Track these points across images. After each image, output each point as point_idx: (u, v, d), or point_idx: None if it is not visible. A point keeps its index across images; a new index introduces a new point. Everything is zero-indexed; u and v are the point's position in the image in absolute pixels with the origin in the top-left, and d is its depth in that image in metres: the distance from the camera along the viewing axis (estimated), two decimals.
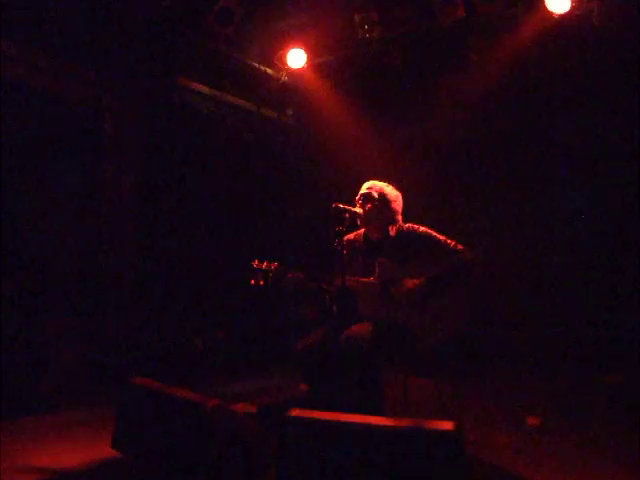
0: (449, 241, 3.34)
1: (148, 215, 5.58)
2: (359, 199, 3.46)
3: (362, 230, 3.59)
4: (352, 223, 3.38)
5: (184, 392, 2.72)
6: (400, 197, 3.55)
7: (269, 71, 6.41)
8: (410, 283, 3.26)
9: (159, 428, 2.73)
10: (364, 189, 3.50)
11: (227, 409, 2.52)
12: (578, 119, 5.35)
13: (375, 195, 3.45)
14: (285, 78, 6.44)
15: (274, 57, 6.15)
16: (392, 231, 3.46)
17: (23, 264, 4.67)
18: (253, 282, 3.32)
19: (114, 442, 3.04)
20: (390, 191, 3.51)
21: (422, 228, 3.45)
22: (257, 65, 6.32)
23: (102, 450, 3.13)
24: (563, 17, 4.98)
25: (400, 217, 3.52)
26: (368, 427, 2.15)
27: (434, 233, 3.40)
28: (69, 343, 4.89)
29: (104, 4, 4.90)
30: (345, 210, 3.26)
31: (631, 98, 5.03)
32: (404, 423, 2.15)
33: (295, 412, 2.31)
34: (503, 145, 5.81)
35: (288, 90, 6.68)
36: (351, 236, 3.57)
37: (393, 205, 3.48)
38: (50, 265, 4.97)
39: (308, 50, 6.01)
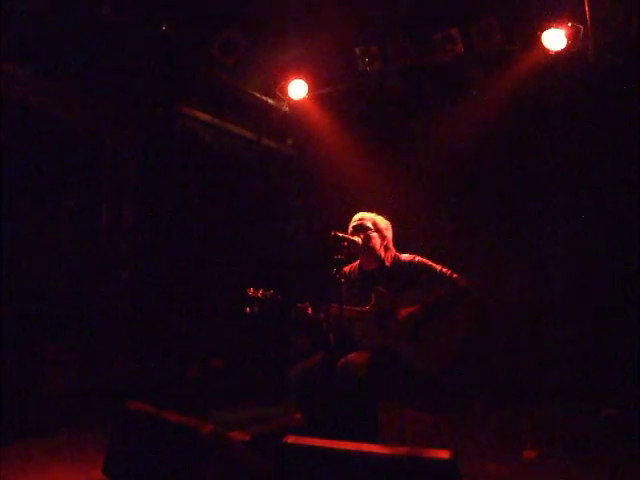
0: (444, 270, 3.37)
1: (147, 242, 5.59)
2: (352, 231, 3.49)
3: (356, 262, 3.63)
4: (350, 252, 3.40)
5: (179, 417, 2.70)
6: (390, 226, 3.61)
7: (270, 101, 6.50)
8: (405, 311, 3.27)
9: (152, 453, 2.71)
10: (355, 220, 3.55)
11: (222, 435, 2.50)
12: (573, 151, 5.44)
13: (369, 224, 3.50)
14: (286, 108, 6.54)
15: (276, 88, 6.26)
16: (388, 261, 3.50)
17: (20, 289, 4.65)
18: (249, 310, 3.32)
19: (105, 467, 3.00)
20: (381, 220, 3.59)
21: (418, 257, 3.48)
22: (259, 95, 6.41)
23: (93, 475, 3.09)
24: (559, 54, 5.11)
25: (392, 245, 3.57)
26: (364, 454, 2.14)
27: (430, 262, 3.43)
28: (64, 368, 4.85)
29: (108, 30, 4.98)
30: (344, 239, 3.28)
31: (625, 134, 5.12)
32: (401, 451, 2.14)
33: (291, 439, 2.30)
34: (501, 176, 5.88)
35: (289, 120, 6.77)
36: (346, 269, 3.60)
37: (386, 233, 3.55)
38: (47, 290, 4.95)
39: (309, 81, 6.12)
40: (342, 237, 3.26)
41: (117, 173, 5.53)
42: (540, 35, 5.06)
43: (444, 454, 2.04)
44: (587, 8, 4.77)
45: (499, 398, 5.12)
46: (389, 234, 3.57)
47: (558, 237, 5.50)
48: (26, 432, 4.06)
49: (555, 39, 5.02)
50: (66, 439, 4.09)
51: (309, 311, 3.30)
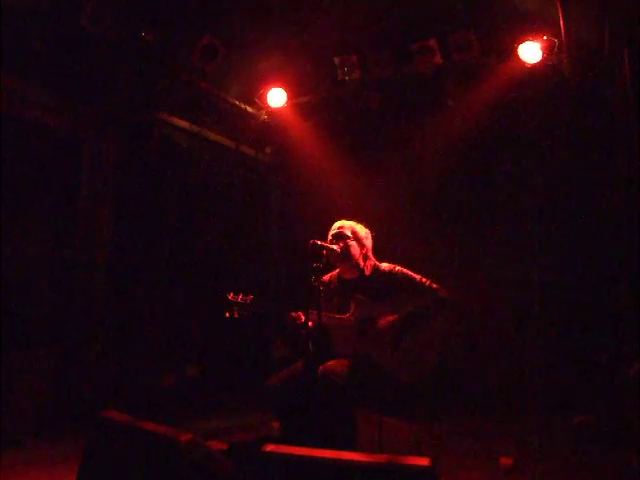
0: (424, 279, 3.38)
1: (123, 248, 5.54)
2: (331, 239, 3.49)
3: (336, 271, 3.62)
4: (329, 260, 3.40)
5: (156, 426, 2.66)
6: (370, 235, 3.61)
7: (249, 109, 6.50)
8: (385, 320, 3.28)
9: (128, 463, 2.66)
10: (335, 228, 3.54)
11: (200, 444, 2.47)
12: (549, 161, 5.53)
13: (348, 233, 3.49)
14: (265, 116, 6.54)
15: (255, 95, 6.26)
16: (367, 270, 3.50)
17: None
18: (228, 315, 3.30)
19: (80, 477, 2.95)
20: (360, 229, 3.58)
21: (397, 267, 3.49)
22: (238, 103, 6.40)
23: None
24: (535, 67, 5.20)
25: (372, 254, 3.57)
26: (343, 463, 2.14)
27: (409, 272, 3.44)
28: (37, 376, 4.76)
29: (86, 37, 4.95)
30: (322, 247, 3.27)
31: (599, 144, 5.23)
32: (379, 459, 2.14)
33: (270, 447, 2.28)
34: (477, 186, 5.95)
35: (267, 128, 6.77)
36: (326, 277, 3.60)
37: (365, 242, 3.54)
38: (20, 295, 4.87)
39: (288, 90, 6.13)
40: (320, 245, 3.25)
41: (95, 179, 5.47)
42: (516, 48, 5.15)
43: (423, 461, 2.04)
44: (562, 22, 4.87)
45: (476, 407, 5.16)
46: (368, 243, 3.57)
47: (533, 246, 5.57)
48: None
49: (531, 52, 5.12)
50: (38, 450, 4.01)
51: (302, 319, 3.25)
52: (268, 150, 7.30)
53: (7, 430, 4.16)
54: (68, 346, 5.09)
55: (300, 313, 3.27)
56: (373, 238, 3.62)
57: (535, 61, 5.15)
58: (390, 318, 3.28)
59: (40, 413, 4.62)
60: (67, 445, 3.96)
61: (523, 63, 5.20)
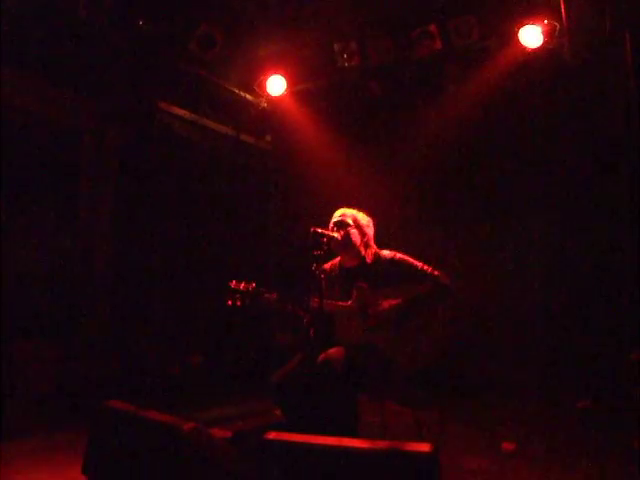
0: (425, 267, 3.38)
1: (125, 238, 5.55)
2: (332, 227, 3.49)
3: (337, 259, 3.62)
4: (330, 248, 3.40)
5: (159, 415, 2.68)
6: (371, 222, 3.61)
7: (249, 97, 6.48)
8: (386, 304, 3.29)
9: (132, 451, 2.68)
10: (336, 216, 3.54)
11: (204, 432, 2.49)
12: (550, 147, 5.50)
13: (349, 221, 3.49)
14: (264, 104, 6.52)
15: (254, 83, 6.23)
16: (368, 257, 3.50)
17: None
18: (230, 302, 3.32)
19: (84, 467, 2.97)
20: (362, 217, 3.58)
21: (399, 254, 3.48)
22: (237, 91, 6.39)
23: (72, 476, 3.06)
24: (535, 51, 5.17)
25: (373, 242, 3.57)
26: (345, 449, 2.15)
27: (411, 259, 3.44)
28: (39, 366, 4.79)
29: (85, 27, 4.93)
30: (323, 235, 3.26)
31: (600, 129, 5.21)
32: (381, 445, 2.15)
33: (272, 435, 2.30)
34: (478, 173, 5.93)
35: (267, 116, 6.75)
36: (327, 265, 3.59)
37: (366, 230, 3.54)
38: (22, 286, 4.89)
39: (288, 77, 6.10)
40: (321, 233, 3.24)
41: (95, 169, 5.47)
42: (517, 32, 5.11)
43: (425, 447, 2.05)
44: (563, 6, 4.83)
45: (478, 392, 5.17)
46: (370, 231, 3.57)
47: (535, 233, 5.56)
48: (2, 434, 3.99)
49: (532, 36, 5.07)
50: (42, 440, 4.04)
51: (284, 304, 3.27)
52: (268, 138, 7.28)
53: (10, 420, 4.19)
54: (71, 336, 5.11)
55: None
56: (374, 226, 3.62)
57: (536, 45, 5.10)
58: (392, 304, 3.29)
59: (43, 403, 4.65)
60: (71, 435, 3.98)
61: (524, 47, 5.16)
